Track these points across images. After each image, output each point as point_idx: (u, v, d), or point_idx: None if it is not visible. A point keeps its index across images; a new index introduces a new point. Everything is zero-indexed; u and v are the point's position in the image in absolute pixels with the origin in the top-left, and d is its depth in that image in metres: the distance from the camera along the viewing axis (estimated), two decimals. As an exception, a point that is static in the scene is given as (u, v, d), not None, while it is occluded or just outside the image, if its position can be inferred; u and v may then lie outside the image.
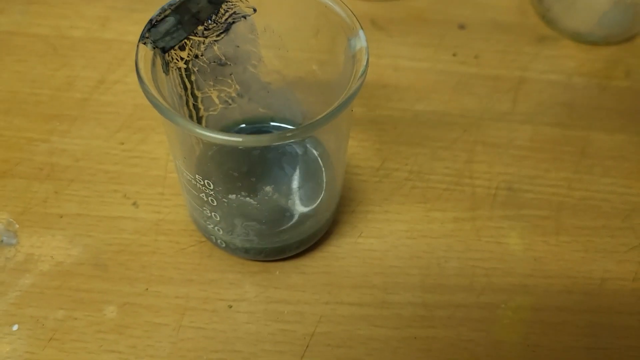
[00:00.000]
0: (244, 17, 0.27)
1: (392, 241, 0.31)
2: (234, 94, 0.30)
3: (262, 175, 0.29)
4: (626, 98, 0.38)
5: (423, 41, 0.39)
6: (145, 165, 0.33)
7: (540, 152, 0.35)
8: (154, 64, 0.24)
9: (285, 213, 0.29)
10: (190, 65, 0.27)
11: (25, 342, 0.28)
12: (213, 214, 0.27)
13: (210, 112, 0.30)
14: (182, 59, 0.26)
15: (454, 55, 0.39)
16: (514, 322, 0.29)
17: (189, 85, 0.28)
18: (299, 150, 0.31)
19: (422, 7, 0.41)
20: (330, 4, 0.25)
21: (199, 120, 0.29)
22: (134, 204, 0.32)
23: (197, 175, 0.25)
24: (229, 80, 0.29)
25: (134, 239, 0.31)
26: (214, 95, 0.30)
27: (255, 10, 0.27)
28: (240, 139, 0.21)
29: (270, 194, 0.28)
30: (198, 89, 0.28)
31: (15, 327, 0.28)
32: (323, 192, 0.30)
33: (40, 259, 0.30)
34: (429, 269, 0.30)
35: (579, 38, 0.40)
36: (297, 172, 0.31)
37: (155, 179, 0.32)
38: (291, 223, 0.29)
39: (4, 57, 0.37)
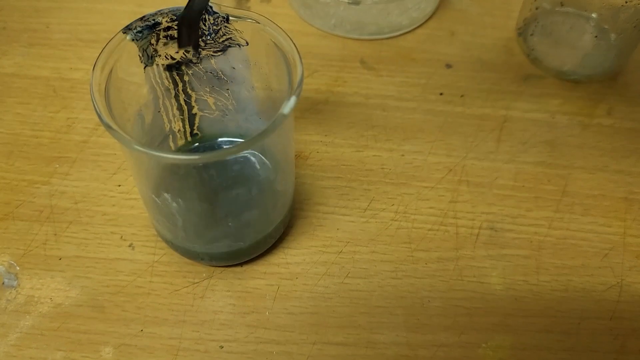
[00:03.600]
0: (239, 45, 0.28)
1: (378, 281, 0.32)
2: (230, 107, 0.32)
3: (194, 182, 0.30)
4: (608, 136, 0.39)
5: (411, 80, 0.40)
6: (141, 206, 0.34)
7: (523, 191, 0.36)
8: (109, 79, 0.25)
9: (222, 221, 0.31)
10: (183, 67, 0.29)
11: (26, 383, 0.29)
12: (155, 212, 0.29)
13: (206, 113, 0.32)
14: (172, 58, 0.28)
15: (441, 94, 0.40)
16: (494, 361, 0.30)
17: (179, 83, 0.30)
18: (248, 161, 0.33)
19: (411, 47, 0.42)
20: (282, 42, 0.26)
21: (191, 117, 0.31)
22: (130, 245, 0.33)
23: (134, 169, 0.28)
24: (226, 94, 0.31)
25: (130, 280, 0.32)
26: (210, 100, 0.32)
27: (247, 43, 0.28)
28: (176, 157, 0.24)
29: (203, 199, 0.30)
30: (192, 89, 0.30)
31: (15, 368, 0.29)
32: (268, 202, 0.32)
33: (40, 301, 0.31)
34: (413, 309, 0.32)
35: (562, 76, 0.41)
36: (245, 180, 0.32)
37: (151, 222, 0.34)
38: (229, 232, 0.30)
39: (6, 99, 0.38)
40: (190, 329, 0.31)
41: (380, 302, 0.32)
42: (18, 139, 0.37)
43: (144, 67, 0.28)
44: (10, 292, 0.31)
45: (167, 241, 0.31)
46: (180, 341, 0.30)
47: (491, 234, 0.34)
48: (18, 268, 0.32)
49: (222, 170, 0.31)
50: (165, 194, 0.28)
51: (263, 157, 0.33)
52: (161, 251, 0.33)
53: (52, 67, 0.40)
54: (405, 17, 0.42)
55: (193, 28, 0.25)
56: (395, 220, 0.34)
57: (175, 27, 0.27)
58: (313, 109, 0.39)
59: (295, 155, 0.36)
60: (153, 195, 0.28)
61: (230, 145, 0.25)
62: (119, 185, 0.35)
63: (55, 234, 0.33)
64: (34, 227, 0.33)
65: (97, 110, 0.24)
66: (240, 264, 0.32)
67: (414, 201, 0.35)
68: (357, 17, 0.42)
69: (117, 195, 0.35)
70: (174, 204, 0.28)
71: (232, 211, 0.31)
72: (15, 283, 0.32)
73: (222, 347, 0.30)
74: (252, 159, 0.33)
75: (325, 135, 0.38)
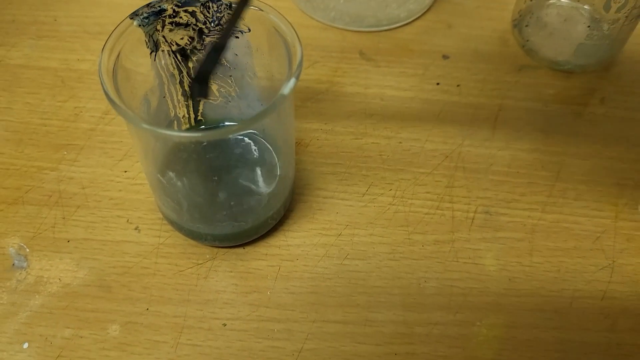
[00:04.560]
0: (241, 32, 0.29)
1: (376, 262, 0.33)
2: (233, 94, 0.33)
3: (211, 158, 0.32)
4: (600, 124, 0.40)
5: (408, 71, 0.42)
6: (146, 192, 0.35)
7: (517, 177, 0.37)
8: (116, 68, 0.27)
9: (223, 203, 0.32)
10: (188, 53, 0.30)
11: (35, 359, 0.30)
12: (160, 192, 0.31)
13: (209, 100, 0.33)
14: (177, 44, 0.30)
15: (438, 84, 0.41)
16: (488, 339, 0.31)
17: (184, 69, 0.31)
18: (250, 145, 0.34)
19: (408, 38, 0.43)
20: (280, 26, 0.28)
21: (195, 103, 0.32)
22: (136, 228, 0.34)
23: (140, 150, 0.29)
24: (229, 81, 0.33)
25: (136, 261, 0.33)
26: (214, 87, 0.33)
27: (249, 30, 0.29)
28: (176, 134, 0.26)
29: (205, 181, 0.31)
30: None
31: (25, 345, 0.30)
32: (269, 186, 0.33)
33: (49, 281, 0.32)
34: (410, 289, 0.33)
35: (556, 67, 0.42)
36: (247, 165, 0.34)
37: (156, 204, 0.35)
38: (229, 213, 0.32)
39: (15, 90, 0.39)
40: (194, 308, 0.32)
41: (378, 282, 0.33)
42: (27, 127, 0.38)
43: (150, 53, 0.29)
44: (21, 273, 0.32)
45: (171, 222, 0.32)
46: (185, 319, 0.31)
47: (486, 218, 0.35)
48: (28, 250, 0.33)
49: (225, 152, 0.33)
50: (171, 174, 0.29)
51: (264, 141, 0.34)
52: (166, 234, 0.34)
53: (60, 59, 0.41)
54: (403, 10, 0.43)
55: (205, 83, 0.27)
56: (393, 205, 0.35)
57: (181, 13, 0.28)
58: (313, 99, 0.40)
59: (296, 143, 0.38)
60: (159, 175, 0.29)
61: (232, 124, 0.26)
62: (125, 171, 0.36)
63: (64, 218, 0.34)
64: (43, 211, 0.35)
65: (105, 90, 0.25)
66: (242, 245, 0.34)
67: (411, 186, 0.36)
68: (356, 10, 0.43)
69: (124, 181, 0.36)
70: (179, 184, 0.29)
71: (234, 193, 0.32)
72: (25, 264, 0.33)
73: (225, 325, 0.31)
74: (254, 143, 0.34)
75: (325, 124, 0.39)
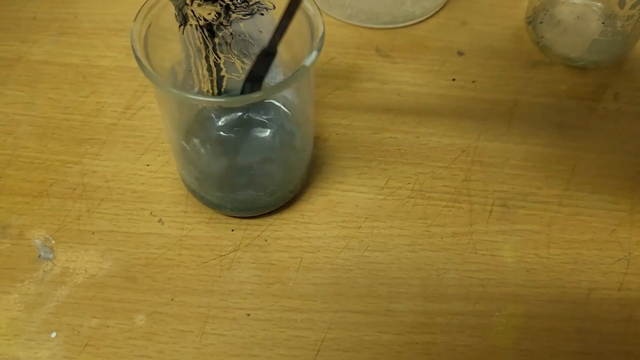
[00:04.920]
0: (266, 9, 0.30)
1: (396, 254, 0.34)
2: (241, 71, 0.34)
3: (232, 130, 0.33)
4: (614, 119, 0.40)
5: (424, 67, 0.42)
6: (169, 185, 0.36)
7: (533, 170, 0.37)
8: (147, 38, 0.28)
9: (244, 173, 0.33)
10: (214, 29, 0.31)
11: (63, 348, 0.31)
12: (183, 160, 0.32)
13: (233, 76, 0.34)
14: (205, 19, 0.30)
15: (453, 80, 0.42)
16: (507, 328, 0.32)
17: (209, 44, 0.32)
18: (270, 116, 0.35)
19: (424, 35, 0.44)
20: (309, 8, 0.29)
21: (219, 79, 0.33)
22: (160, 221, 0.35)
23: (167, 117, 0.31)
24: (252, 57, 0.33)
25: (160, 253, 0.33)
26: (238, 64, 0.34)
27: (274, 7, 0.30)
28: (199, 98, 0.27)
29: (231, 147, 0.32)
30: (221, 51, 0.32)
31: (53, 335, 0.31)
32: (288, 159, 0.34)
33: (75, 272, 0.33)
34: (429, 280, 0.33)
35: (570, 63, 0.42)
36: (266, 136, 0.35)
37: (179, 197, 0.35)
38: (250, 183, 0.33)
39: (38, 85, 0.40)
40: (218, 298, 0.32)
41: (398, 273, 0.33)
42: (50, 122, 0.38)
43: (179, 26, 0.30)
44: (47, 264, 0.33)
45: (192, 191, 0.34)
46: (209, 309, 0.32)
47: (503, 211, 0.36)
48: (53, 242, 0.34)
49: (247, 122, 0.34)
50: (195, 141, 0.30)
51: (285, 113, 0.35)
52: (189, 226, 0.34)
53: (81, 55, 0.42)
54: (418, 7, 0.44)
55: (257, 84, 0.29)
56: (412, 198, 0.36)
57: None
58: (331, 94, 0.40)
59: (316, 137, 0.38)
60: (183, 142, 0.30)
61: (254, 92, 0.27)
62: (148, 165, 0.37)
63: (88, 210, 0.35)
64: (67, 203, 0.35)
65: (137, 55, 0.26)
66: (260, 217, 0.35)
67: (429, 180, 0.37)
68: (372, 7, 0.43)
69: (146, 174, 0.36)
70: (202, 151, 0.30)
71: (255, 160, 0.33)
72: (51, 255, 0.33)
73: (249, 314, 0.32)
74: (275, 114, 0.35)
75: (343, 119, 0.39)
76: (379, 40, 0.43)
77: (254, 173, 0.32)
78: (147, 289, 0.32)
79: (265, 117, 0.35)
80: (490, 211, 0.36)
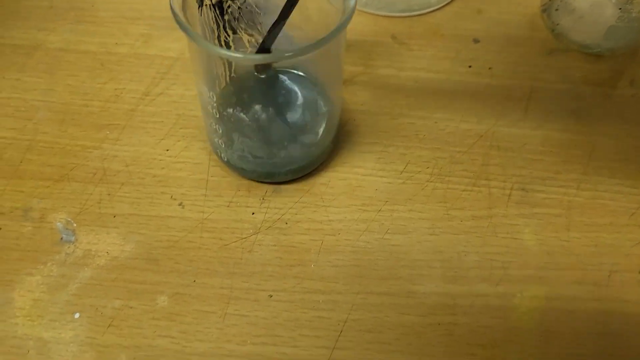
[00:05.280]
0: None
1: (416, 237, 0.34)
2: (259, 38, 0.34)
3: (262, 96, 0.34)
4: (631, 105, 0.40)
5: (440, 54, 0.42)
6: (189, 169, 0.36)
7: (551, 155, 0.38)
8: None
9: (275, 136, 0.34)
10: (224, 5, 0.31)
11: (87, 329, 0.31)
12: (217, 126, 0.32)
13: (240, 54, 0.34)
14: None
15: (470, 67, 0.42)
16: (530, 310, 0.32)
17: (220, 22, 0.32)
18: (299, 84, 0.36)
19: (439, 23, 0.44)
20: None
21: (229, 61, 0.34)
22: (180, 204, 0.35)
23: (205, 87, 0.31)
24: (258, 28, 0.34)
25: (182, 235, 0.34)
26: (245, 38, 0.34)
27: None
28: (235, 55, 0.28)
29: (261, 113, 0.33)
30: (230, 28, 0.33)
31: (77, 315, 0.31)
32: (316, 126, 0.35)
33: (97, 254, 0.33)
34: (450, 262, 0.33)
35: (586, 50, 0.43)
36: (294, 103, 0.35)
37: (199, 182, 0.35)
38: (281, 147, 0.34)
39: (56, 72, 0.40)
40: (240, 280, 0.32)
41: (419, 256, 0.33)
42: (69, 108, 0.39)
43: (198, 8, 0.30)
44: (69, 247, 0.33)
45: (219, 156, 0.35)
46: (231, 291, 0.32)
47: (522, 195, 0.36)
48: (75, 225, 0.34)
49: (277, 85, 0.35)
50: (228, 107, 0.32)
51: (314, 76, 0.36)
52: (209, 210, 0.35)
53: (98, 42, 0.42)
54: (433, -4, 0.44)
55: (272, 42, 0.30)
56: (431, 182, 0.36)
57: None
58: (349, 81, 0.40)
59: (333, 123, 0.38)
60: (215, 105, 0.32)
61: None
62: (167, 150, 0.37)
63: (109, 194, 0.35)
64: (88, 187, 0.35)
65: (173, 9, 0.27)
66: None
67: (448, 164, 0.37)
68: (388, -4, 0.43)
69: (166, 159, 0.36)
70: (234, 113, 0.32)
71: (284, 126, 0.34)
72: (72, 238, 0.33)
73: (271, 296, 0.32)
74: (306, 76, 0.36)
75: (362, 105, 0.39)
76: (395, 28, 0.44)
77: (284, 139, 0.34)
78: (169, 271, 0.32)
79: (295, 81, 0.37)
80: (510, 195, 0.36)
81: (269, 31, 0.30)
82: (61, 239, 0.33)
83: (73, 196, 0.35)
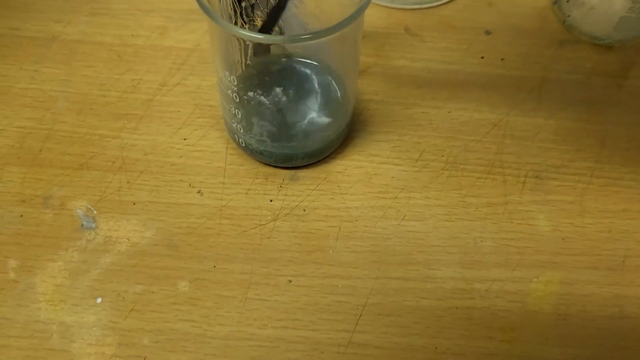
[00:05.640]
0: None
1: (433, 223, 0.34)
2: (276, 28, 0.34)
3: (279, 81, 0.35)
4: (641, 95, 0.41)
5: (453, 46, 0.43)
6: (207, 158, 0.36)
7: (564, 144, 0.38)
8: None
9: (293, 120, 0.35)
10: None
11: (109, 313, 0.31)
12: (236, 111, 0.33)
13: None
14: None
15: (482, 58, 0.42)
16: (546, 294, 0.32)
17: (238, 9, 0.33)
18: (314, 71, 0.37)
19: (451, 15, 0.44)
20: None
21: (245, 47, 0.34)
22: (199, 192, 0.35)
23: (226, 72, 0.31)
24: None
25: (201, 222, 0.34)
26: (259, 25, 0.34)
27: None
28: (257, 36, 0.28)
29: (280, 96, 0.34)
30: (247, 16, 0.33)
31: (99, 300, 0.31)
32: (331, 110, 0.35)
33: (117, 241, 0.33)
34: (467, 248, 0.34)
35: (596, 41, 0.43)
36: (310, 88, 0.36)
37: (217, 170, 0.36)
38: (298, 130, 0.35)
39: (73, 63, 0.41)
40: (260, 266, 0.33)
41: (435, 242, 0.34)
42: (87, 98, 0.39)
43: None
44: (90, 233, 0.34)
45: (235, 139, 0.36)
46: (251, 276, 0.32)
47: (536, 182, 0.36)
48: (95, 212, 0.34)
49: (293, 69, 0.36)
50: (249, 91, 0.33)
51: (330, 62, 0.37)
52: (228, 197, 0.35)
53: (114, 34, 0.42)
54: (445, -12, 0.45)
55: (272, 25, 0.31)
56: (446, 170, 0.37)
57: None
58: (364, 72, 0.41)
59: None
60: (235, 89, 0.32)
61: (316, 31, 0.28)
62: (185, 139, 0.37)
63: (128, 182, 0.35)
64: (107, 176, 0.36)
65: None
66: (301, 168, 0.36)
67: (462, 153, 0.37)
68: (400, -12, 0.44)
69: (184, 148, 0.37)
70: (253, 96, 0.33)
71: (300, 111, 0.35)
72: (93, 225, 0.34)
73: (290, 281, 0.32)
74: (320, 65, 0.37)
75: (376, 95, 0.40)
76: (407, 20, 0.44)
77: (300, 123, 0.35)
78: (189, 257, 0.33)
79: (312, 67, 0.37)
80: (524, 182, 0.36)
81: (269, 13, 0.31)
82: (82, 225, 0.34)
83: (93, 184, 0.35)
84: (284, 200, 0.35)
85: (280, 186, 0.35)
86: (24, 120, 0.38)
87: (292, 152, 0.35)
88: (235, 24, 0.33)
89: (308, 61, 0.37)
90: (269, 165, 0.36)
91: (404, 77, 0.41)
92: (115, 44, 0.42)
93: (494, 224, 0.35)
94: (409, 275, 0.33)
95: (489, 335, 0.31)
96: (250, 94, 0.33)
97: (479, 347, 0.31)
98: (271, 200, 0.35)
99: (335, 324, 0.31)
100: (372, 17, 0.44)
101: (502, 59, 0.42)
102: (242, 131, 0.34)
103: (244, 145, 0.35)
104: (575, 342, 0.31)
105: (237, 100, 0.32)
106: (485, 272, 0.33)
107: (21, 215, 0.34)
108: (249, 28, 0.34)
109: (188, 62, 0.41)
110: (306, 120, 0.35)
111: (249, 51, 0.34)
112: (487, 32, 0.44)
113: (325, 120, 0.35)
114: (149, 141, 0.37)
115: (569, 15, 0.43)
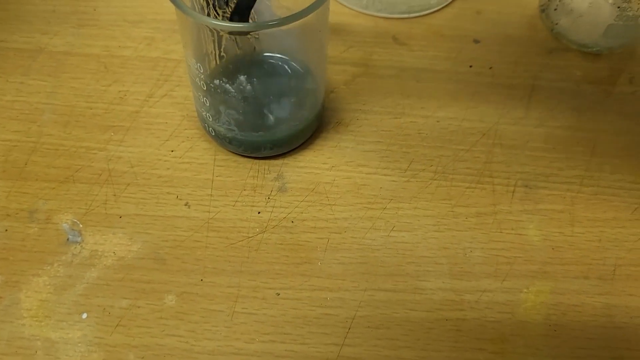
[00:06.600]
0: None
1: (422, 234, 0.34)
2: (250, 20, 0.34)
3: (245, 70, 0.35)
4: (630, 102, 0.41)
5: (441, 54, 0.43)
6: (194, 169, 0.36)
7: (554, 152, 0.38)
8: None
9: (259, 109, 0.35)
10: None
11: (94, 329, 0.31)
12: (204, 99, 0.33)
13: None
14: None
15: (471, 67, 0.42)
16: (536, 304, 0.32)
17: (210, 1, 0.32)
18: (282, 62, 0.37)
19: (440, 24, 0.44)
20: None
21: (219, 38, 0.34)
22: (186, 204, 0.35)
23: (193, 60, 0.32)
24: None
25: (188, 235, 0.34)
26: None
27: None
28: (223, 24, 0.29)
29: (244, 85, 0.34)
30: (220, 7, 0.33)
31: (84, 316, 0.31)
32: (298, 100, 0.36)
33: (103, 255, 0.33)
34: (456, 258, 0.33)
35: (584, 49, 0.43)
36: (277, 78, 0.37)
37: (204, 182, 0.36)
38: (265, 119, 0.35)
39: (60, 75, 0.40)
40: (247, 278, 0.32)
41: (425, 252, 0.34)
42: (74, 110, 0.39)
43: None
44: (75, 247, 0.33)
45: (208, 130, 0.36)
46: (239, 289, 0.32)
47: (526, 191, 0.36)
48: (81, 225, 0.34)
49: (262, 60, 0.37)
50: (216, 81, 0.33)
51: (297, 53, 0.37)
52: (215, 209, 0.35)
53: (102, 46, 0.42)
54: (433, -3, 0.45)
55: (244, 16, 0.31)
56: (435, 180, 0.36)
57: None
58: (351, 82, 0.41)
59: (337, 123, 0.38)
60: (206, 80, 0.32)
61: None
62: (172, 151, 0.37)
63: (115, 195, 0.35)
64: (93, 188, 0.35)
65: None
66: (277, 157, 0.37)
67: (451, 162, 0.37)
68: (388, -3, 0.44)
69: (171, 160, 0.37)
70: (227, 86, 0.33)
71: (268, 93, 0.36)
72: (79, 239, 0.33)
73: (278, 294, 0.32)
74: (289, 58, 0.37)
75: (364, 104, 0.40)
76: (395, 29, 0.44)
77: (270, 109, 0.35)
78: (176, 270, 0.32)
79: (281, 62, 0.38)
80: (513, 192, 0.36)
81: (238, 2, 0.31)
82: (67, 239, 0.33)
83: (79, 197, 0.35)
84: (272, 212, 0.35)
85: (268, 198, 0.35)
86: (9, 133, 0.37)
87: (259, 140, 0.35)
88: (208, 14, 0.33)
89: (277, 54, 0.37)
90: (239, 154, 0.37)
91: (392, 86, 0.41)
92: (102, 55, 0.42)
93: (484, 234, 0.34)
94: (398, 287, 0.32)
95: (480, 347, 0.31)
96: (217, 81, 0.33)
97: (470, 359, 0.30)
98: (259, 212, 0.35)
99: (324, 337, 0.31)
100: (360, 27, 0.44)
101: (490, 68, 0.42)
102: (211, 120, 0.35)
103: (213, 134, 0.35)
104: (566, 352, 0.31)
105: (205, 88, 0.33)
106: (475, 283, 0.33)
107: (6, 230, 0.34)
108: (222, 21, 0.34)
109: (175, 73, 0.40)
110: (272, 110, 0.35)
111: (222, 44, 0.34)
112: (476, 41, 0.44)
113: (291, 109, 0.35)
114: (136, 153, 0.37)
115: (557, 24, 0.43)
